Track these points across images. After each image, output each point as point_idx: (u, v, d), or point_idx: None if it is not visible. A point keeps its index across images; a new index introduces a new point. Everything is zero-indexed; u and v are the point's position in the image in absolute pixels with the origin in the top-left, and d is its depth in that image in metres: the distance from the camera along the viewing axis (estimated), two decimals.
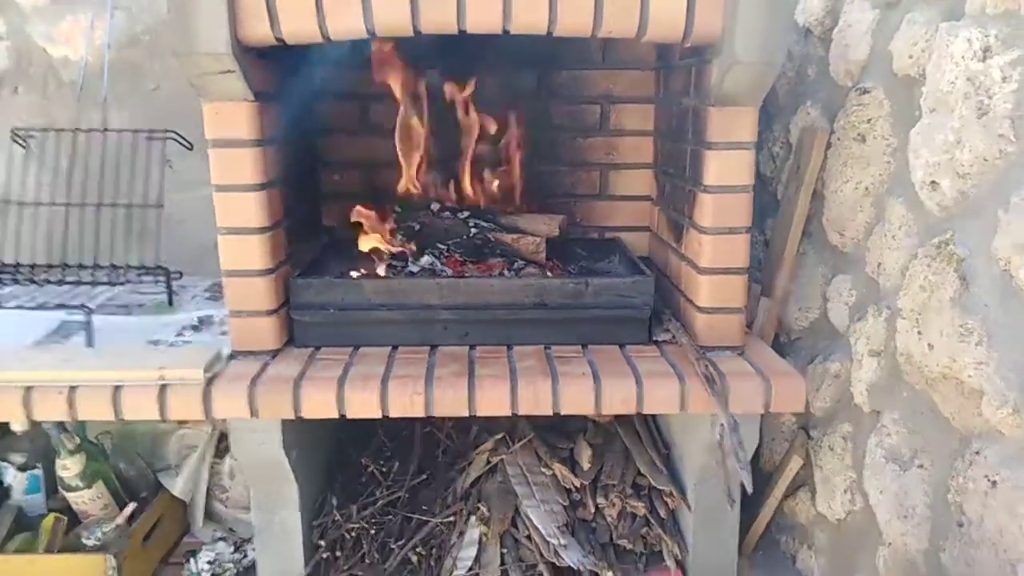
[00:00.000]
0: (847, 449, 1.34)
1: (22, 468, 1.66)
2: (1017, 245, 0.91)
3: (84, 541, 1.53)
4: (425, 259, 1.60)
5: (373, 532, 1.56)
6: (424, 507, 1.62)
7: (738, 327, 1.40)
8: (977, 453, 1.00)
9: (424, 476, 1.69)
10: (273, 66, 1.39)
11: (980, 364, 0.97)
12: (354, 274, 1.58)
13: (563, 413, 1.33)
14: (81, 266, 1.93)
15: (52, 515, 1.60)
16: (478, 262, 1.61)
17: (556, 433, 1.77)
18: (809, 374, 1.34)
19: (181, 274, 1.92)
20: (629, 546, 1.52)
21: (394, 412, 1.33)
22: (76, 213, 1.93)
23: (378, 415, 1.33)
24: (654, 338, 1.47)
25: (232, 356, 1.45)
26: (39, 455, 1.68)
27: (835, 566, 1.42)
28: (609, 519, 1.55)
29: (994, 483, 0.97)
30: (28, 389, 1.36)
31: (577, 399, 1.32)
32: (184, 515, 1.74)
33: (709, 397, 1.28)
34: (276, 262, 1.44)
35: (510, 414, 1.34)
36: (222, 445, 1.74)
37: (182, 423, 1.75)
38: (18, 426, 1.64)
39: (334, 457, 1.76)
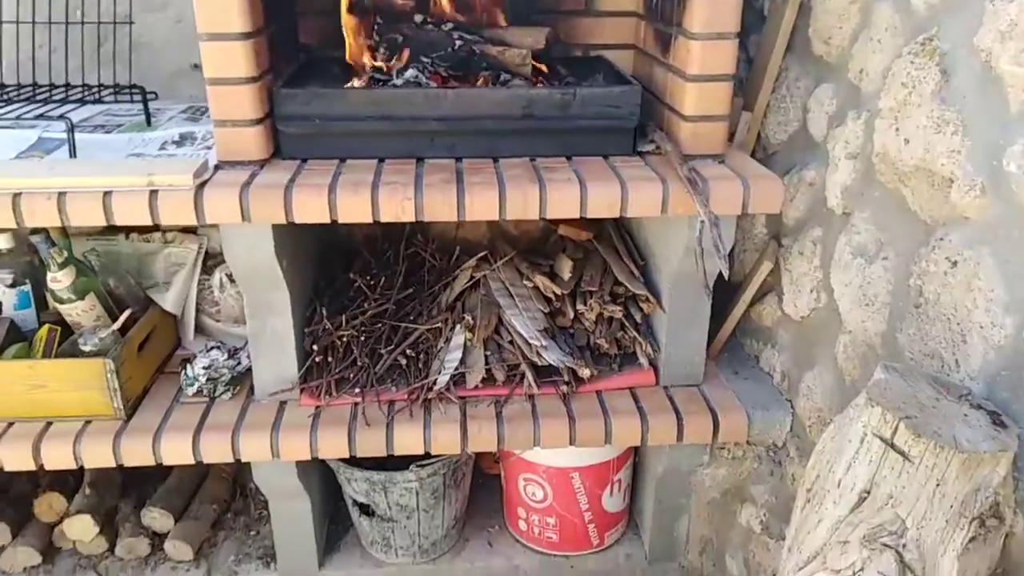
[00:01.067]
0: (816, 252, 1.42)
1: (11, 285, 1.68)
2: (1000, 33, 0.95)
3: (82, 347, 1.57)
4: (409, 72, 1.58)
5: (363, 339, 1.64)
6: (411, 318, 1.69)
7: (721, 135, 1.44)
8: (941, 239, 1.08)
9: (410, 291, 1.76)
10: None
11: (953, 152, 1.03)
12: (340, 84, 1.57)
13: (549, 217, 1.38)
14: (53, 86, 1.87)
15: (46, 325, 1.64)
16: (463, 76, 1.60)
17: (535, 254, 1.84)
18: (784, 185, 1.40)
19: (156, 95, 1.88)
20: (606, 347, 1.62)
21: (385, 217, 1.37)
22: (43, 32, 1.84)
23: (369, 220, 1.36)
24: (638, 149, 1.51)
25: (218, 167, 1.45)
26: (24, 274, 1.70)
27: (796, 359, 1.53)
28: (587, 324, 1.64)
29: (955, 263, 1.05)
30: (16, 196, 1.36)
31: (563, 203, 1.37)
32: (174, 330, 1.80)
33: (690, 199, 1.33)
34: (260, 70, 1.42)
35: (498, 218, 1.38)
36: (209, 262, 1.77)
37: (167, 242, 1.77)
38: (2, 243, 1.65)
39: (321, 274, 1.81)
